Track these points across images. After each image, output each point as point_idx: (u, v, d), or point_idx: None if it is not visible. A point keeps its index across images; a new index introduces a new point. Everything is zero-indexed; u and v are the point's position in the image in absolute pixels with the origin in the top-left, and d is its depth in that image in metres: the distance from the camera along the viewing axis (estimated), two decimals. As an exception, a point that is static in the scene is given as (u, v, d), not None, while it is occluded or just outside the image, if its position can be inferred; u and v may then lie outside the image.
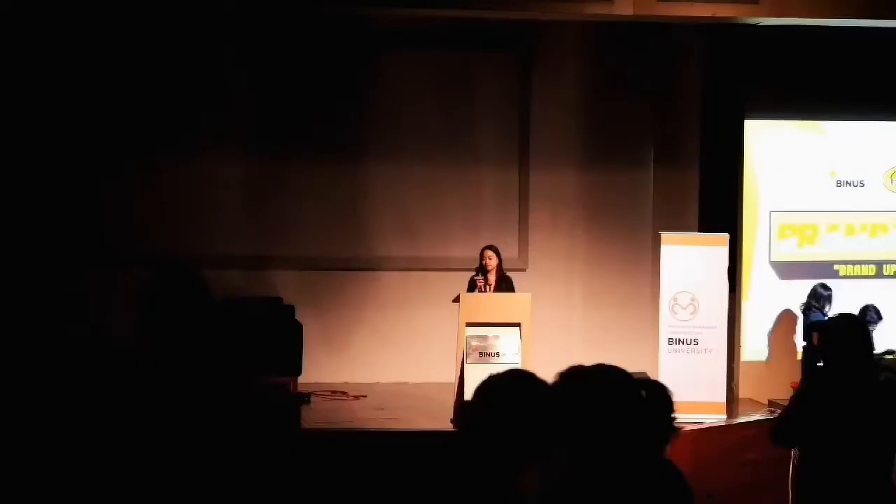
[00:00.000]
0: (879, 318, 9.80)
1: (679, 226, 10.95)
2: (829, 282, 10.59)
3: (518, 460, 3.06)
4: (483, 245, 10.19)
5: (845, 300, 10.15)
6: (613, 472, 3.15)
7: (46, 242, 10.83)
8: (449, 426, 8.86)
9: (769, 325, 10.68)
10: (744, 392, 10.49)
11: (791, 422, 5.13)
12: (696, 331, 9.58)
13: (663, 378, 4.55)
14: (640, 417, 3.25)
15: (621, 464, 3.16)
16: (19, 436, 6.59)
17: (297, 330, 10.64)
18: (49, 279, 10.70)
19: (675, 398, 3.53)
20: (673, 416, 3.54)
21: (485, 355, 9.18)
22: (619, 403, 3.21)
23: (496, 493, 3.01)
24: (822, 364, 5.03)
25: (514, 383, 3.14)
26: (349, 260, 11.42)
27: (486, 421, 3.07)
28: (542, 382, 3.16)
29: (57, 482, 3.85)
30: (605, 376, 3.27)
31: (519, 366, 9.10)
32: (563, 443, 3.15)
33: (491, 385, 3.15)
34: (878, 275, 10.83)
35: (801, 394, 5.16)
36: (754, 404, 10.11)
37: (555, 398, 3.18)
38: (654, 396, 3.44)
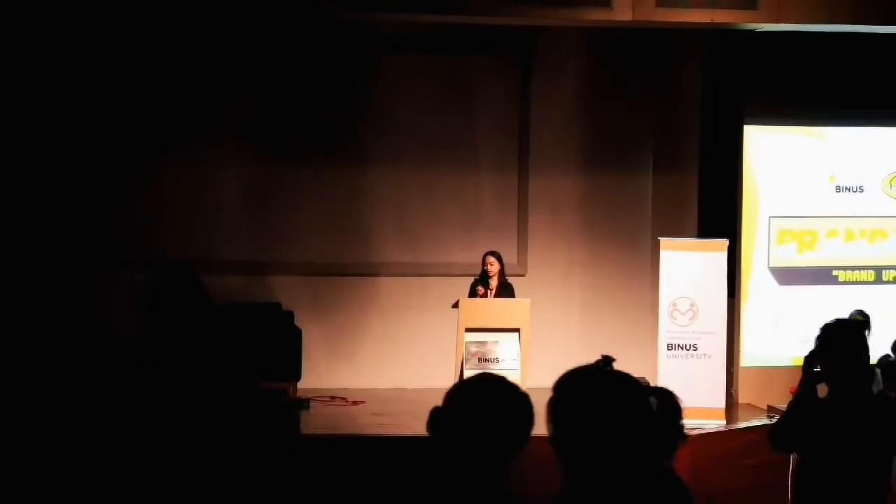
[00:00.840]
0: None
1: (678, 231, 10.95)
2: (828, 288, 10.62)
3: (492, 462, 3.07)
4: (483, 251, 10.19)
5: (844, 306, 10.15)
6: (621, 480, 3.14)
7: (46, 243, 10.81)
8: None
9: (768, 329, 10.67)
10: (743, 397, 10.48)
11: (790, 426, 5.13)
12: (696, 336, 9.57)
13: (662, 384, 4.55)
14: (649, 425, 3.24)
15: (629, 471, 3.15)
16: (20, 435, 6.59)
17: (297, 335, 10.64)
18: (49, 279, 10.69)
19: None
20: (681, 423, 3.54)
21: (484, 360, 9.19)
22: (629, 411, 3.20)
23: (472, 497, 3.01)
24: (820, 369, 5.02)
25: (485, 387, 3.15)
26: (348, 265, 11.42)
27: (457, 425, 3.08)
28: (513, 386, 3.17)
29: (57, 482, 3.85)
30: (613, 383, 3.26)
31: (518, 371, 9.15)
32: (569, 449, 3.15)
33: (461, 390, 3.16)
34: (878, 280, 10.83)
35: (800, 398, 5.15)
36: (753, 409, 10.11)
37: (559, 402, 3.18)
38: (664, 404, 3.44)
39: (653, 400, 3.33)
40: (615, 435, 3.09)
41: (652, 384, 3.94)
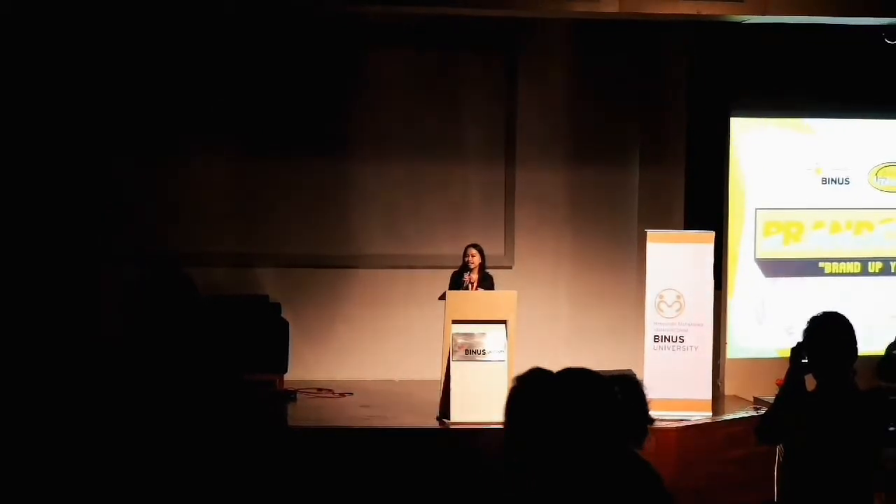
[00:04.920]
0: None
1: (665, 223, 10.96)
2: (814, 279, 10.64)
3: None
4: (467, 243, 10.19)
5: (830, 298, 10.19)
6: (593, 470, 3.14)
7: (33, 241, 10.77)
8: (434, 423, 8.86)
9: (755, 321, 10.69)
10: (729, 389, 10.50)
11: (776, 419, 5.13)
12: (682, 328, 9.58)
13: (648, 375, 4.56)
14: (616, 414, 3.25)
15: (601, 461, 3.16)
16: (12, 429, 6.59)
17: (283, 327, 10.64)
18: (37, 277, 10.65)
19: (661, 395, 3.54)
20: (647, 408, 3.55)
21: (471, 352, 9.18)
22: (595, 403, 3.21)
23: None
24: (806, 361, 5.02)
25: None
26: (335, 258, 11.41)
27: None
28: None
29: (44, 475, 3.84)
30: (575, 379, 3.27)
31: (505, 364, 9.15)
32: (542, 447, 3.15)
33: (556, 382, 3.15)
34: (863, 272, 10.86)
35: (786, 390, 5.16)
36: (740, 401, 10.13)
37: (525, 403, 3.18)
38: (628, 392, 3.45)
39: (616, 389, 3.34)
40: (584, 427, 3.10)
41: (638, 376, 3.94)
